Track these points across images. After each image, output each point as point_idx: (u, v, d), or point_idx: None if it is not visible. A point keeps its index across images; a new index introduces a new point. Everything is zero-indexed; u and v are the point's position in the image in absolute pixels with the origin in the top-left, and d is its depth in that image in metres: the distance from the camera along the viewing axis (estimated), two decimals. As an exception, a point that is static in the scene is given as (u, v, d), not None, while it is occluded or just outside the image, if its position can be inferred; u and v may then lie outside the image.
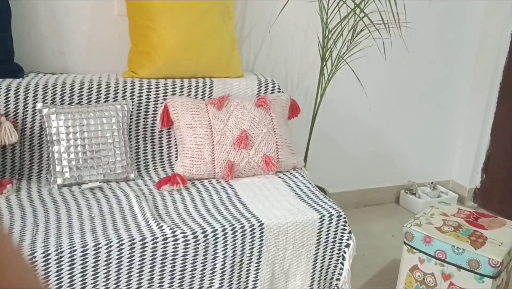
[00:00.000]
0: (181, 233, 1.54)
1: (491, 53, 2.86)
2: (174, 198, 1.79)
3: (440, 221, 1.99)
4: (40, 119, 1.88)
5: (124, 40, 2.15)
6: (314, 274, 1.75)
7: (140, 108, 2.03)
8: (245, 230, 1.61)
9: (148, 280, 1.52)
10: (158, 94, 2.05)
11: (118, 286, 1.49)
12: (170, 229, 1.54)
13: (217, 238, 1.58)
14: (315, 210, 1.73)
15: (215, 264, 1.59)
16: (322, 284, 1.78)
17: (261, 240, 1.64)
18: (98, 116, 1.86)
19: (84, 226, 1.55)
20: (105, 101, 1.98)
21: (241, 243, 1.61)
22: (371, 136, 2.96)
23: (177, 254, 1.53)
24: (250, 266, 1.65)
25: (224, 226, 1.60)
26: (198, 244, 1.55)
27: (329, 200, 1.80)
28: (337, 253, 1.76)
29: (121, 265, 1.48)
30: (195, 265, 1.57)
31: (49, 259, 1.40)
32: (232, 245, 1.60)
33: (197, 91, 2.11)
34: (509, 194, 2.92)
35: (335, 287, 1.80)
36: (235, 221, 1.63)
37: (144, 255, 1.50)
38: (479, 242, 1.85)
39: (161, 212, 1.68)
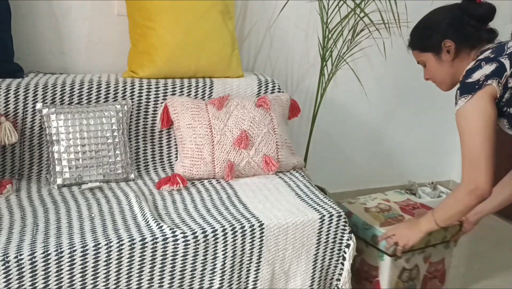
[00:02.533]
0: (181, 233, 1.54)
1: (491, 53, 2.86)
2: (174, 198, 1.79)
3: (375, 203, 2.07)
4: (40, 119, 1.88)
5: (124, 40, 2.15)
6: (314, 274, 1.75)
7: (140, 108, 2.03)
8: (245, 230, 1.61)
9: (148, 280, 1.52)
10: (158, 94, 2.05)
11: (118, 286, 1.48)
12: (170, 229, 1.54)
13: (217, 238, 1.57)
14: (315, 210, 1.73)
15: (215, 264, 1.59)
16: (322, 284, 1.78)
17: (261, 240, 1.64)
18: (98, 116, 1.86)
19: (84, 226, 1.55)
20: (105, 101, 1.98)
21: (241, 243, 1.61)
22: (371, 136, 2.96)
23: (177, 254, 1.53)
24: (250, 266, 1.65)
25: (224, 226, 1.60)
26: (198, 244, 1.55)
27: (329, 200, 1.80)
28: (337, 253, 1.76)
29: (121, 265, 1.47)
30: (195, 265, 1.56)
31: (49, 259, 1.40)
32: (232, 245, 1.60)
33: (197, 91, 2.11)
34: (509, 194, 2.91)
35: (335, 287, 1.80)
36: (235, 221, 1.63)
37: (144, 255, 1.49)
38: (392, 223, 1.89)
39: (161, 212, 1.68)
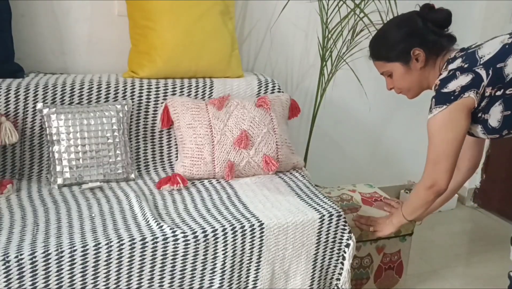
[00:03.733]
0: (181, 233, 1.54)
1: (491, 53, 2.85)
2: (174, 198, 1.79)
3: (339, 193, 2.21)
4: (40, 119, 1.88)
5: (124, 40, 2.15)
6: (314, 274, 1.75)
7: (140, 108, 2.03)
8: (245, 230, 1.62)
9: (148, 280, 1.52)
10: (158, 94, 2.05)
11: (118, 286, 1.49)
12: (170, 229, 1.54)
13: (217, 238, 1.58)
14: (315, 210, 1.73)
15: (215, 264, 1.59)
16: (322, 284, 1.78)
17: (261, 240, 1.64)
18: (98, 116, 1.86)
19: (84, 226, 1.55)
20: (105, 101, 1.98)
21: (241, 243, 1.61)
22: (371, 136, 2.96)
23: (177, 254, 1.53)
24: (250, 266, 1.65)
25: (224, 226, 1.60)
26: (198, 244, 1.55)
27: (329, 200, 1.80)
28: (337, 253, 1.76)
29: (121, 265, 1.48)
30: (195, 265, 1.57)
31: (49, 259, 1.40)
32: (232, 245, 1.60)
33: (197, 91, 2.11)
34: (509, 194, 2.92)
35: (335, 287, 1.80)
36: (235, 221, 1.63)
37: (144, 255, 1.50)
38: (347, 212, 2.00)
39: (161, 212, 1.68)
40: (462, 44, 1.68)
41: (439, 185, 1.60)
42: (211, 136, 1.93)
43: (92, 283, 1.45)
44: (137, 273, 1.50)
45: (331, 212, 1.73)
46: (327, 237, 1.73)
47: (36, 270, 1.39)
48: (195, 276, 1.58)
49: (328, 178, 2.68)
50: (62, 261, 1.41)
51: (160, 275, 1.53)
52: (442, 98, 1.52)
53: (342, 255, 1.77)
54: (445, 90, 1.52)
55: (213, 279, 1.60)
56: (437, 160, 1.59)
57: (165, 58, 2.06)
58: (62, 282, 1.42)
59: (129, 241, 1.49)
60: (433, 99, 1.56)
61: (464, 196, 3.14)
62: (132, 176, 1.92)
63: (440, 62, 1.61)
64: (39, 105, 1.84)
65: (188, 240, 1.54)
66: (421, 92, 1.71)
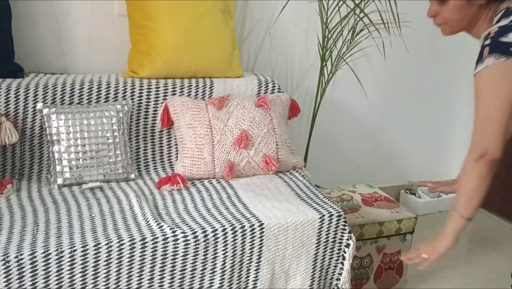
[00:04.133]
0: (181, 233, 1.54)
1: (491, 53, 2.85)
2: (174, 198, 1.79)
3: (339, 193, 2.25)
4: (41, 119, 1.88)
5: (124, 40, 2.15)
6: (314, 274, 1.75)
7: (140, 108, 2.03)
8: (245, 230, 1.62)
9: (148, 280, 1.52)
10: (158, 94, 2.05)
11: (119, 286, 1.49)
12: (170, 229, 1.54)
13: (217, 238, 1.58)
14: (315, 210, 1.73)
15: (215, 264, 1.59)
16: (322, 284, 1.78)
17: (261, 240, 1.64)
18: (98, 116, 1.86)
19: (84, 226, 1.55)
20: (105, 101, 1.98)
21: (241, 243, 1.61)
22: (371, 136, 2.96)
23: (177, 254, 1.53)
24: (250, 266, 1.65)
25: (224, 226, 1.60)
26: (198, 244, 1.55)
27: (329, 200, 1.80)
28: (337, 253, 1.76)
29: (121, 265, 1.48)
30: (195, 265, 1.57)
31: (49, 259, 1.40)
32: (232, 245, 1.60)
33: (197, 91, 2.11)
34: (509, 194, 2.92)
35: (335, 287, 1.80)
36: (235, 221, 1.63)
37: (144, 255, 1.50)
38: (348, 212, 2.04)
39: (161, 212, 1.68)
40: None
41: (491, 154, 1.35)
42: (211, 136, 1.93)
43: (92, 283, 1.45)
44: (137, 273, 1.50)
45: (331, 212, 1.73)
46: (327, 237, 1.73)
47: (36, 270, 1.39)
48: (195, 276, 1.58)
49: (328, 178, 2.68)
50: (62, 261, 1.41)
51: (160, 275, 1.53)
52: (500, 48, 1.32)
53: (342, 255, 1.77)
54: (504, 39, 1.33)
55: (213, 279, 1.60)
56: (488, 122, 1.35)
57: (165, 58, 2.06)
58: (62, 282, 1.42)
59: (129, 241, 1.49)
60: (487, 48, 1.35)
61: (464, 196, 3.14)
62: (132, 176, 1.92)
63: (493, 13, 1.41)
64: (39, 105, 1.84)
65: (188, 240, 1.54)
66: (459, 33, 1.52)
